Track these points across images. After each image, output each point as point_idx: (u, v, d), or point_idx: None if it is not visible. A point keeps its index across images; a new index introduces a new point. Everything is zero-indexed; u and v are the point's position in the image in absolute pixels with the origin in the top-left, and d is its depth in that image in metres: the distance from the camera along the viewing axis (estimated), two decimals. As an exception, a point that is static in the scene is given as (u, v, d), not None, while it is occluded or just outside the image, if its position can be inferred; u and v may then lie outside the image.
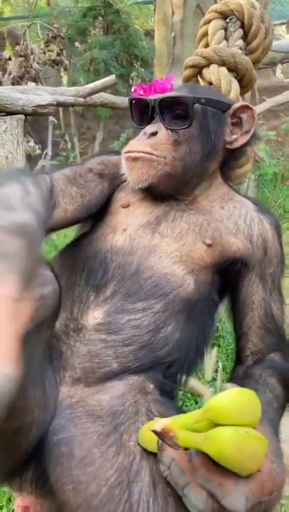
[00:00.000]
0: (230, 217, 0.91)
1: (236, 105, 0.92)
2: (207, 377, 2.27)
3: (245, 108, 0.92)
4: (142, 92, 1.08)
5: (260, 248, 0.90)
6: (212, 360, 2.01)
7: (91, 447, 0.62)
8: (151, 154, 0.84)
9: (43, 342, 0.70)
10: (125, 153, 0.87)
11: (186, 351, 0.81)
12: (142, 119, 0.92)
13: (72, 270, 0.84)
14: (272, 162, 5.61)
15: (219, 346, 2.79)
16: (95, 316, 0.77)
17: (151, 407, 0.70)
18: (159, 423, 0.52)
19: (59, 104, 2.39)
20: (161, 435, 0.52)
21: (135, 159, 0.85)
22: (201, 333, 0.85)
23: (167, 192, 0.89)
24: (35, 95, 2.19)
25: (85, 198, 0.89)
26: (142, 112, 0.92)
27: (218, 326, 2.96)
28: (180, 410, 0.74)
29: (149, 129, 0.88)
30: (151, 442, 0.58)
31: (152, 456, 0.60)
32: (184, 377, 0.83)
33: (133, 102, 0.95)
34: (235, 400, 0.52)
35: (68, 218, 0.87)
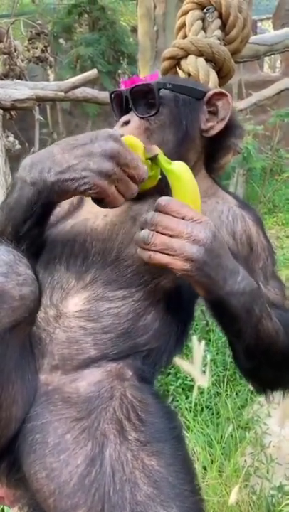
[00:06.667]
0: (213, 212, 0.90)
1: (210, 92, 0.91)
2: (197, 368, 2.28)
3: (220, 95, 0.91)
4: (122, 86, 1.08)
5: (245, 244, 0.89)
6: (201, 353, 2.01)
7: (64, 433, 0.62)
8: None
9: (22, 339, 0.69)
10: None
11: (165, 340, 0.81)
12: (120, 112, 0.93)
13: (52, 255, 0.83)
14: (260, 157, 5.63)
15: (209, 340, 2.80)
16: (74, 302, 0.76)
17: (126, 392, 0.69)
18: (151, 146, 0.78)
19: (38, 99, 2.37)
20: (149, 148, 0.76)
21: None
22: (181, 322, 0.85)
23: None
24: (14, 90, 2.17)
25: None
26: (120, 104, 0.92)
27: (207, 320, 2.97)
28: (157, 395, 0.74)
29: (123, 118, 0.88)
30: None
31: (113, 445, 0.61)
32: (163, 366, 0.83)
33: (112, 95, 0.95)
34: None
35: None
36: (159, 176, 0.80)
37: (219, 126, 0.90)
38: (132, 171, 0.70)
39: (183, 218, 0.69)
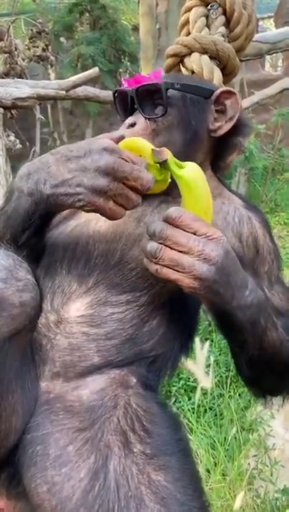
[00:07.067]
0: (219, 213, 0.88)
1: (218, 91, 0.88)
2: (200, 370, 2.26)
3: (227, 94, 0.89)
4: (126, 85, 1.06)
5: (251, 247, 0.87)
6: (204, 354, 1.99)
7: (66, 445, 0.60)
8: None
9: (22, 346, 0.67)
10: None
11: (170, 346, 0.79)
12: (124, 112, 0.90)
13: (53, 258, 0.80)
14: (262, 156, 5.60)
15: (212, 341, 2.77)
16: (76, 307, 0.74)
17: (130, 401, 0.67)
18: (160, 148, 0.70)
19: (39, 98, 2.35)
20: (158, 151, 0.69)
21: None
22: (187, 327, 0.83)
23: None
24: (14, 88, 2.14)
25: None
26: (124, 104, 0.89)
27: (210, 321, 2.95)
28: (162, 404, 0.72)
29: (129, 120, 0.85)
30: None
31: (117, 458, 0.58)
32: (168, 372, 0.81)
33: (116, 94, 0.92)
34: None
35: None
36: (170, 180, 0.74)
37: (228, 126, 0.88)
38: (132, 182, 0.65)
39: (194, 233, 0.65)
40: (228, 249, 0.66)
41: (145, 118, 0.83)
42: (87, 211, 0.67)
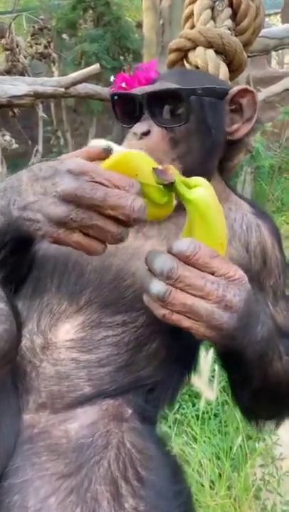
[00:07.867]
0: (225, 220, 0.81)
1: (234, 90, 0.81)
2: (204, 379, 2.20)
3: (244, 92, 0.81)
4: (124, 85, 0.98)
5: (259, 258, 0.81)
6: (208, 361, 1.93)
7: (48, 496, 0.53)
8: None
9: None
10: None
11: (171, 371, 0.72)
12: (128, 117, 0.80)
13: (42, 272, 0.74)
14: (268, 154, 5.52)
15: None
16: (66, 329, 0.67)
17: (124, 439, 0.61)
18: (164, 166, 0.58)
19: (37, 95, 2.29)
20: (162, 171, 0.57)
21: None
22: (190, 348, 0.76)
23: None
24: (10, 85, 2.07)
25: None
26: (128, 109, 0.79)
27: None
28: (160, 443, 0.65)
29: (139, 128, 0.74)
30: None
31: None
32: (167, 401, 0.74)
33: (116, 97, 0.82)
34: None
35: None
36: (175, 202, 0.61)
37: (246, 128, 0.81)
38: (110, 211, 0.52)
39: (212, 273, 0.54)
40: (249, 289, 0.57)
41: (160, 126, 0.75)
42: (51, 243, 0.57)
